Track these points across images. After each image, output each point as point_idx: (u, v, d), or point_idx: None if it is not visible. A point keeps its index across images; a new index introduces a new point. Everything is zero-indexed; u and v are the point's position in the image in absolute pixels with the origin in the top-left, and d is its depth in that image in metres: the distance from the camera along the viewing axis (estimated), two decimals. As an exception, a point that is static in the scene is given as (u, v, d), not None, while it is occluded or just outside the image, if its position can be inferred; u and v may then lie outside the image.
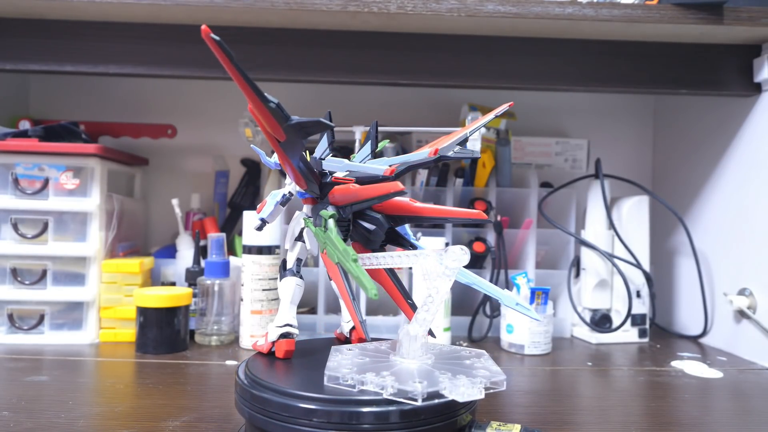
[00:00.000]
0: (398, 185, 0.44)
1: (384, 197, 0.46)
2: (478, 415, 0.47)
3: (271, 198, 0.54)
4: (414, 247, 0.51)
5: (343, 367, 0.44)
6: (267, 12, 0.77)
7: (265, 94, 0.40)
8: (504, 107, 0.51)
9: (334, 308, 0.95)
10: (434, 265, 0.45)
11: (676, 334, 1.02)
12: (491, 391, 0.43)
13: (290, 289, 0.51)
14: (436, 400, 0.42)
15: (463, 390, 0.41)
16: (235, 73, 0.38)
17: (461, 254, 0.44)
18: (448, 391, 0.41)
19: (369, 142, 0.54)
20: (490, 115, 0.51)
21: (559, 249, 1.04)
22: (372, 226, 0.49)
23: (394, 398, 0.41)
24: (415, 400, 0.40)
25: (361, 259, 0.49)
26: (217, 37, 0.36)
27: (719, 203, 0.96)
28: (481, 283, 0.47)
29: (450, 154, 0.50)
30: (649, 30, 0.82)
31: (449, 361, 0.47)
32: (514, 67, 0.85)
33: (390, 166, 0.47)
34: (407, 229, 0.52)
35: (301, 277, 0.52)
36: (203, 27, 0.36)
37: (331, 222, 0.46)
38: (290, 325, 0.50)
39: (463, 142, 0.51)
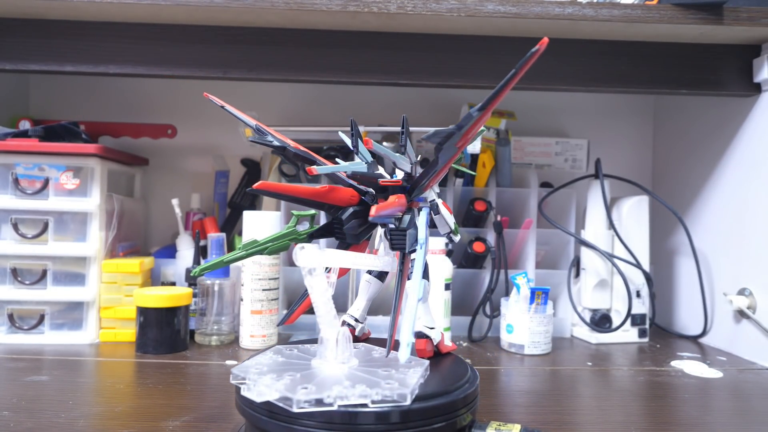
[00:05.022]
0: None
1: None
2: (478, 415, 0.48)
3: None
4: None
5: (252, 368, 0.45)
6: (267, 12, 0.77)
7: (247, 120, 0.54)
8: (534, 50, 0.38)
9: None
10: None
11: (676, 334, 1.02)
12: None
13: (361, 284, 0.57)
14: (437, 401, 0.42)
15: (261, 389, 0.42)
16: (230, 114, 0.55)
17: (312, 254, 0.45)
18: (248, 387, 0.43)
19: (402, 137, 0.54)
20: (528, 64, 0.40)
21: (559, 249, 1.04)
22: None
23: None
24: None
25: None
26: (217, 101, 0.56)
27: (719, 203, 0.96)
28: (407, 312, 0.42)
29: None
30: (648, 30, 0.82)
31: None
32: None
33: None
34: (420, 229, 0.49)
35: (376, 276, 0.56)
36: (204, 94, 0.58)
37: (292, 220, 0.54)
38: (352, 316, 0.57)
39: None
